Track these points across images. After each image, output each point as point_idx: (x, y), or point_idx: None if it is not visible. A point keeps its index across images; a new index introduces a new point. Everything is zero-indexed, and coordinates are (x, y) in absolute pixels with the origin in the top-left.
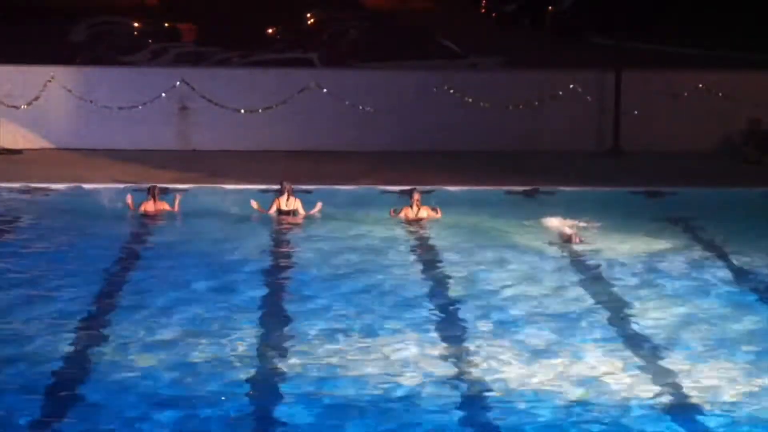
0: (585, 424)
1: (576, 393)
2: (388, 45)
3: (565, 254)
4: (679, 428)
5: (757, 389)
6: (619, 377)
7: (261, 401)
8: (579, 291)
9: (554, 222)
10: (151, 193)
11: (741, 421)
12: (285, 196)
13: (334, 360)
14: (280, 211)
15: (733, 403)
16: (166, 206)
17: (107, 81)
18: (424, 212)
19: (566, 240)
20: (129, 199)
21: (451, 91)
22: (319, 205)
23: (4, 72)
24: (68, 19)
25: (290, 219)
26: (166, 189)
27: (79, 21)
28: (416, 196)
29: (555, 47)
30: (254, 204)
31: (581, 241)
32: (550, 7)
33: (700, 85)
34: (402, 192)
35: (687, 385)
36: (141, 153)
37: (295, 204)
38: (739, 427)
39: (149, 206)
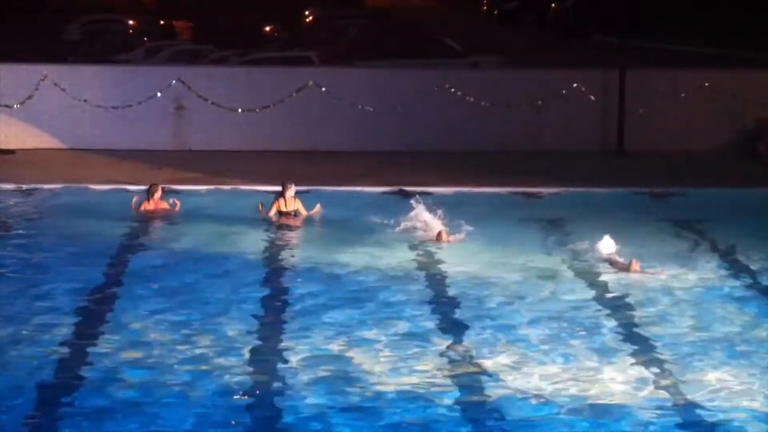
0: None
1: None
2: (388, 43)
3: (564, 254)
4: None
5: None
6: (631, 384)
7: (258, 404)
8: (578, 289)
9: (609, 246)
10: (150, 192)
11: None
12: (284, 198)
13: (331, 363)
14: (280, 213)
15: (745, 409)
16: (166, 206)
17: (101, 80)
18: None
19: (623, 268)
20: (134, 198)
21: (452, 90)
22: (318, 206)
23: None
24: (62, 16)
25: (291, 220)
26: (166, 189)
27: (73, 19)
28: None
29: (557, 45)
30: (260, 207)
31: (640, 270)
32: (552, 5)
33: (706, 84)
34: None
35: (697, 390)
36: (136, 153)
37: (295, 204)
38: None
39: (149, 206)
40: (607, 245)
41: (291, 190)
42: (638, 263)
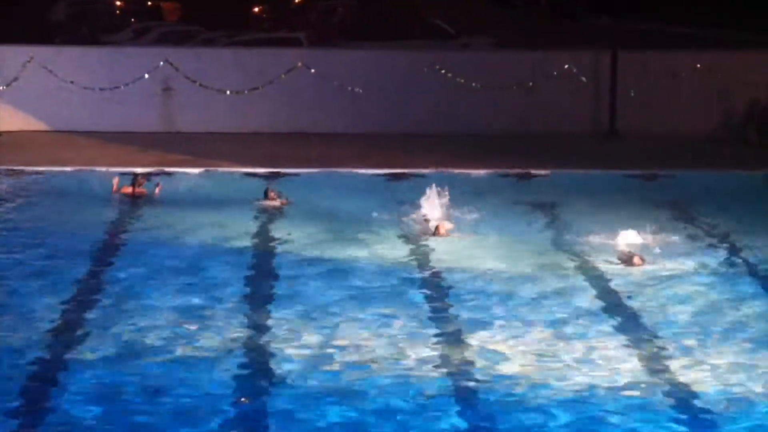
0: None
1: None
2: (378, 24)
3: (557, 238)
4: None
5: (754, 376)
6: (632, 375)
7: (245, 391)
8: (571, 278)
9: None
10: (136, 183)
11: (746, 410)
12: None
13: (320, 350)
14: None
15: (735, 392)
16: (144, 192)
17: (88, 61)
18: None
19: (627, 261)
20: (115, 180)
21: (443, 71)
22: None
23: None
24: None
25: (276, 206)
26: (148, 175)
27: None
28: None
29: (549, 26)
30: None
31: (643, 262)
32: None
33: (699, 66)
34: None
35: (688, 373)
36: (123, 135)
37: (280, 204)
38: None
39: (128, 189)
40: (623, 236)
41: (274, 196)
42: (641, 260)
